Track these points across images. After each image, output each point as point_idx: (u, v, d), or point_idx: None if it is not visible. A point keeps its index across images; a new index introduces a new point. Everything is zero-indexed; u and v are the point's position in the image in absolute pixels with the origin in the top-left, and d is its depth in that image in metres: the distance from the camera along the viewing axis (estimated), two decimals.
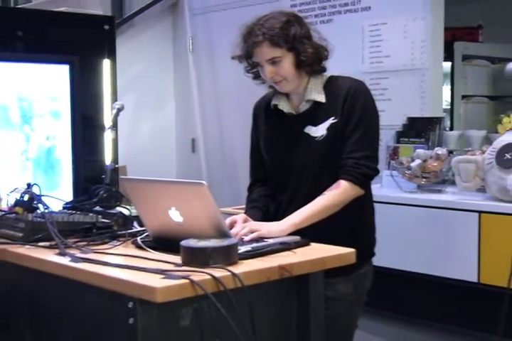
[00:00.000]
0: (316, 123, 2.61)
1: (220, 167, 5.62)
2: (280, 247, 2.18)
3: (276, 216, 2.61)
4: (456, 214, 3.44)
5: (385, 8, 4.45)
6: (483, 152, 3.47)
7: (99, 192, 2.53)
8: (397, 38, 4.40)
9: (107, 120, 3.50)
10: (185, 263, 1.94)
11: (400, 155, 3.95)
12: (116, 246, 2.26)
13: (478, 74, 5.80)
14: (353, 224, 2.61)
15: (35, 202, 2.44)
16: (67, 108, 3.85)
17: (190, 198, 2.08)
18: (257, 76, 2.68)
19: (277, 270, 2.00)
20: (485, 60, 5.81)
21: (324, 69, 2.67)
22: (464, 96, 5.66)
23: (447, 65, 5.36)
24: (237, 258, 1.99)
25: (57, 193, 3.23)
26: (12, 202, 2.52)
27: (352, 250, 2.24)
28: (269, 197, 2.75)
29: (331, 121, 2.59)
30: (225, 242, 1.99)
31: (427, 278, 3.55)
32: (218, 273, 1.87)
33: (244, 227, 2.33)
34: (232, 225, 2.38)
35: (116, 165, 3.87)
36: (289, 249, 2.18)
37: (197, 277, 1.82)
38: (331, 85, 2.65)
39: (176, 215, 2.11)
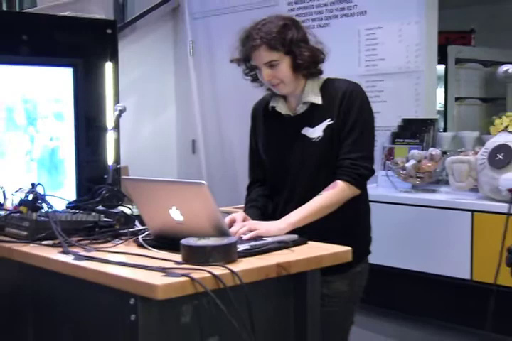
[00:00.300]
0: (312, 125, 2.61)
1: (219, 167, 5.61)
2: (278, 246, 2.18)
3: (274, 215, 2.62)
4: (449, 213, 3.44)
5: (380, 12, 4.45)
6: (476, 153, 3.47)
7: (102, 191, 2.52)
8: (393, 41, 4.40)
9: (110, 121, 3.49)
10: (185, 261, 1.94)
11: (395, 155, 3.95)
12: (118, 244, 2.26)
13: (471, 77, 5.80)
14: (349, 223, 2.61)
15: (39, 202, 2.44)
16: (70, 110, 3.85)
17: (190, 198, 2.08)
18: (255, 79, 2.68)
19: (275, 268, 2.01)
20: (477, 63, 5.81)
21: (321, 72, 2.67)
22: (457, 99, 5.66)
23: (441, 68, 5.36)
24: (236, 257, 1.99)
25: (61, 193, 3.23)
26: (17, 201, 2.52)
27: (348, 248, 2.24)
28: (268, 196, 2.75)
29: (327, 122, 2.59)
30: (225, 241, 1.99)
31: (421, 275, 3.55)
32: (218, 270, 1.87)
33: (243, 226, 2.34)
34: (231, 224, 2.39)
35: (119, 166, 3.88)
36: (286, 248, 2.19)
37: (197, 275, 1.83)
38: (328, 87, 2.65)
39: (176, 214, 2.11)
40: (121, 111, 2.86)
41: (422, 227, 3.55)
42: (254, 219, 2.53)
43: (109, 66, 4.28)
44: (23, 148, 3.73)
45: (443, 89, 5.51)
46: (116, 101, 4.19)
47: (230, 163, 5.42)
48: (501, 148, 3.24)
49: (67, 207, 2.53)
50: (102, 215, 2.43)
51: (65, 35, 4.18)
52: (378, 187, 3.87)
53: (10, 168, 3.64)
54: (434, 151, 3.72)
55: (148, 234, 2.29)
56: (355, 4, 4.59)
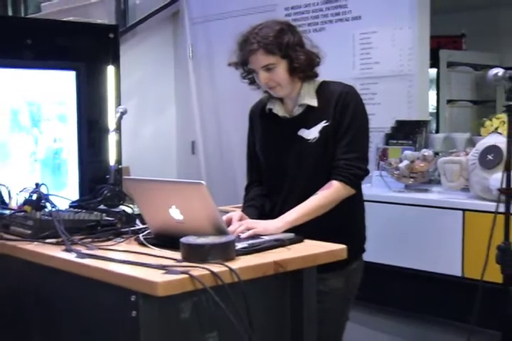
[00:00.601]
0: (308, 127, 2.61)
1: (218, 168, 5.61)
2: (275, 244, 2.18)
3: (272, 214, 2.61)
4: (441, 212, 3.44)
5: (374, 17, 4.45)
6: (467, 153, 3.47)
7: (104, 191, 2.52)
8: (386, 45, 4.40)
9: (111, 123, 3.49)
10: (185, 259, 1.94)
11: (389, 156, 3.95)
12: (119, 242, 2.26)
13: (462, 80, 5.81)
14: (344, 222, 2.61)
15: (43, 201, 2.44)
16: (73, 112, 3.84)
17: (190, 197, 2.08)
18: (252, 82, 2.68)
19: (272, 265, 2.00)
20: (468, 66, 5.82)
21: (316, 75, 2.67)
22: (448, 101, 5.67)
23: (433, 72, 5.36)
24: (234, 255, 1.99)
25: (64, 192, 3.23)
26: (21, 201, 2.52)
27: (343, 246, 2.24)
28: (265, 196, 2.75)
29: (323, 124, 2.59)
30: (223, 239, 1.99)
31: (414, 272, 3.55)
32: (216, 268, 1.87)
33: (241, 225, 2.34)
34: (228, 222, 2.38)
35: (120, 166, 3.87)
36: (283, 246, 2.18)
37: (196, 272, 1.82)
38: (323, 90, 2.64)
39: (176, 213, 2.10)
40: (123, 113, 2.86)
41: (414, 226, 3.54)
42: (252, 218, 2.53)
43: (110, 69, 4.28)
44: (28, 149, 3.72)
45: (435, 92, 5.52)
46: (118, 103, 4.19)
47: (229, 163, 5.42)
48: (491, 149, 3.24)
49: (70, 207, 2.54)
50: (104, 214, 2.43)
51: (68, 39, 4.17)
52: (372, 187, 3.87)
53: (15, 169, 3.64)
54: (427, 152, 3.72)
55: (148, 233, 2.28)
56: (350, 10, 4.59)
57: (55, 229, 2.24)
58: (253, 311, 1.93)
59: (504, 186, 2.42)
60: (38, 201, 2.45)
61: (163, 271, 1.83)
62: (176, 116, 5.99)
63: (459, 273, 3.37)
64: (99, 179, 2.90)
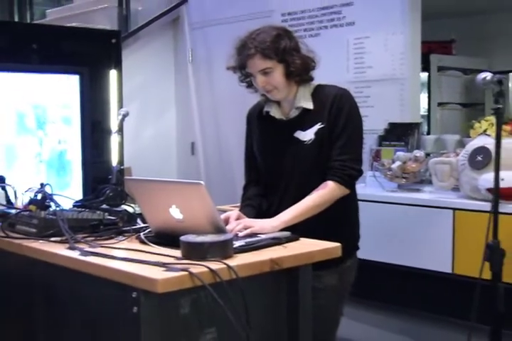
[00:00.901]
0: (304, 129, 2.61)
1: (217, 168, 5.61)
2: (272, 242, 2.17)
3: (269, 213, 2.60)
4: (432, 211, 3.44)
5: (367, 23, 4.45)
6: (457, 154, 3.47)
7: (106, 191, 2.52)
8: (379, 50, 4.40)
9: (114, 125, 3.48)
10: (184, 257, 1.93)
11: (382, 157, 3.94)
12: (121, 241, 2.25)
13: (452, 84, 5.82)
14: (339, 221, 2.60)
15: (47, 201, 2.44)
16: (77, 114, 3.84)
17: (189, 197, 2.07)
18: (250, 85, 2.67)
19: (269, 263, 2.00)
20: (458, 71, 5.83)
21: (312, 79, 2.66)
22: (439, 104, 5.67)
23: (424, 75, 5.37)
24: (232, 252, 1.99)
25: (68, 192, 3.22)
26: (27, 200, 2.52)
27: (338, 244, 2.23)
28: (262, 195, 2.74)
29: (318, 126, 2.58)
30: (221, 237, 1.98)
31: (406, 269, 3.55)
32: (215, 265, 1.86)
33: (239, 224, 2.33)
34: (226, 221, 2.37)
35: (122, 167, 3.84)
36: (279, 244, 2.18)
37: (195, 269, 1.82)
38: (319, 93, 2.64)
39: (176, 213, 2.10)
40: (125, 116, 2.86)
41: (407, 224, 3.54)
42: (249, 217, 2.52)
43: (113, 73, 4.27)
44: (33, 151, 3.72)
45: (426, 95, 5.53)
46: (120, 106, 4.19)
47: (227, 164, 5.42)
48: (480, 150, 3.24)
49: (74, 206, 2.53)
50: (106, 213, 2.43)
51: (73, 44, 4.17)
52: (366, 187, 3.87)
53: (21, 169, 3.63)
54: (418, 153, 3.72)
55: (149, 231, 2.27)
56: (344, 16, 4.59)
57: (59, 228, 2.23)
58: (250, 307, 1.92)
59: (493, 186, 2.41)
60: (42, 201, 2.45)
61: (164, 269, 1.83)
62: (176, 118, 5.99)
63: (449, 270, 3.37)
64: (102, 179, 2.90)
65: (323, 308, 2.52)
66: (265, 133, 2.73)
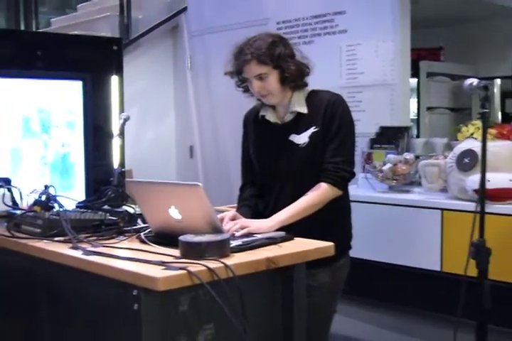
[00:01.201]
0: (299, 132, 2.60)
1: (215, 170, 5.60)
2: (267, 241, 2.17)
3: (264, 213, 2.60)
4: (422, 211, 3.44)
5: (359, 31, 4.45)
6: (445, 157, 3.47)
7: (108, 192, 2.51)
8: (370, 57, 4.40)
9: (115, 129, 3.46)
10: (183, 256, 1.93)
11: (374, 159, 3.94)
12: (122, 240, 2.25)
13: (441, 89, 5.82)
14: (332, 221, 2.60)
15: (51, 202, 2.43)
16: (80, 119, 3.82)
17: (187, 198, 2.07)
18: (246, 90, 2.66)
19: (265, 262, 2.00)
20: (446, 76, 5.83)
21: (306, 84, 2.66)
22: (428, 108, 5.67)
23: (414, 81, 5.37)
24: (229, 252, 1.98)
25: (72, 194, 3.20)
26: (31, 201, 2.51)
27: (331, 244, 2.23)
28: (258, 196, 2.73)
29: (312, 129, 2.58)
30: (219, 237, 1.98)
31: (396, 267, 3.54)
32: (212, 264, 1.86)
33: (236, 224, 2.33)
34: (221, 221, 2.37)
35: (123, 169, 3.84)
36: (275, 243, 2.18)
37: (193, 268, 1.82)
38: (312, 98, 2.63)
39: (175, 213, 2.09)
40: (126, 120, 2.85)
41: (397, 224, 3.54)
42: (246, 217, 2.51)
43: (115, 79, 4.26)
44: (38, 154, 3.70)
45: (416, 100, 5.53)
46: (121, 110, 4.18)
47: (224, 166, 5.41)
48: (467, 152, 3.24)
49: (77, 207, 2.52)
50: (108, 214, 2.42)
51: (76, 51, 4.16)
52: (358, 188, 3.86)
53: (26, 171, 3.62)
54: (408, 156, 3.72)
55: (149, 231, 2.27)
56: (337, 24, 4.59)
57: (63, 228, 2.23)
58: (247, 304, 1.92)
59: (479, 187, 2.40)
60: (46, 202, 2.44)
61: (163, 267, 1.83)
62: (176, 123, 5.98)
63: (438, 268, 3.37)
64: (104, 181, 2.88)
65: (317, 305, 2.51)
66: (261, 136, 2.72)
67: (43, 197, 2.46)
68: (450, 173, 3.34)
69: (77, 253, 2.06)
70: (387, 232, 3.59)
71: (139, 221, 2.42)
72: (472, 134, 3.34)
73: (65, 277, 2.18)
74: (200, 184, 2.03)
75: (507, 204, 3.13)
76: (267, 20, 5.03)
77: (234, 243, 2.08)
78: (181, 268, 1.80)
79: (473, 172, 3.14)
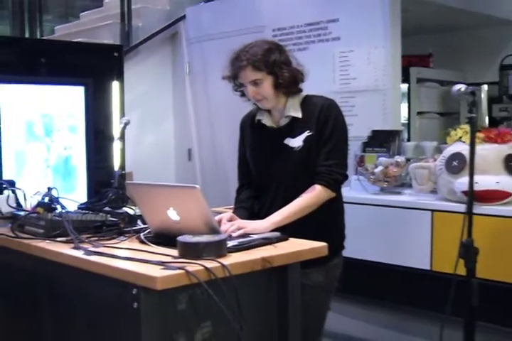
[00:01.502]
0: (294, 136, 2.60)
1: (212, 172, 5.60)
2: (263, 242, 2.17)
3: (260, 215, 2.59)
4: (412, 212, 3.43)
5: (352, 38, 4.45)
6: (435, 160, 3.47)
7: (109, 194, 2.51)
8: (362, 63, 4.39)
9: (116, 133, 3.46)
10: (181, 256, 1.92)
11: (366, 162, 3.93)
12: (122, 241, 2.24)
13: (430, 95, 5.82)
14: (325, 222, 2.59)
15: (54, 203, 2.42)
16: (82, 123, 3.82)
17: (185, 200, 2.06)
18: (243, 94, 2.66)
19: (260, 261, 1.99)
20: (435, 82, 5.83)
21: (300, 90, 2.65)
22: (418, 113, 5.66)
23: (404, 87, 5.36)
24: (226, 252, 1.98)
25: (74, 195, 3.21)
26: (35, 203, 2.50)
27: (324, 244, 2.23)
28: (254, 198, 2.73)
29: (306, 133, 2.58)
30: (216, 238, 1.97)
31: (388, 266, 3.54)
32: (210, 264, 1.86)
33: (233, 225, 2.32)
34: (219, 222, 2.36)
35: (124, 172, 3.85)
36: (270, 244, 2.17)
37: (191, 268, 1.82)
38: (307, 103, 2.63)
39: (173, 214, 2.09)
40: (126, 124, 2.85)
41: (388, 225, 3.54)
42: (242, 218, 2.51)
43: (115, 84, 4.26)
44: (41, 157, 3.70)
45: (406, 105, 5.52)
46: (122, 115, 4.18)
47: (222, 168, 5.40)
48: (456, 155, 3.24)
49: (78, 208, 2.51)
50: (109, 215, 2.41)
51: (78, 58, 4.16)
52: (351, 190, 3.85)
53: (29, 174, 3.62)
54: (399, 158, 3.72)
55: (148, 232, 2.26)
56: (330, 31, 4.59)
57: (65, 229, 2.23)
58: (243, 303, 1.91)
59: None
60: (49, 203, 2.43)
61: (162, 267, 1.82)
62: (174, 126, 5.98)
63: (428, 267, 3.37)
64: (105, 183, 2.88)
65: (311, 303, 2.51)
66: (257, 139, 2.72)
67: (46, 199, 2.45)
68: (440, 175, 3.34)
69: (79, 253, 2.05)
70: (379, 233, 3.58)
71: (139, 222, 2.41)
72: (460, 138, 3.34)
73: (67, 276, 2.17)
74: (197, 186, 2.02)
75: (494, 206, 3.14)
76: (263, 28, 5.02)
77: (230, 243, 2.07)
78: (179, 268, 1.80)
79: (461, 175, 3.14)
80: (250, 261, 1.98)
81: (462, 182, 3.06)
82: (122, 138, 2.92)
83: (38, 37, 6.63)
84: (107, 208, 2.49)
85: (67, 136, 3.77)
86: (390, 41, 4.27)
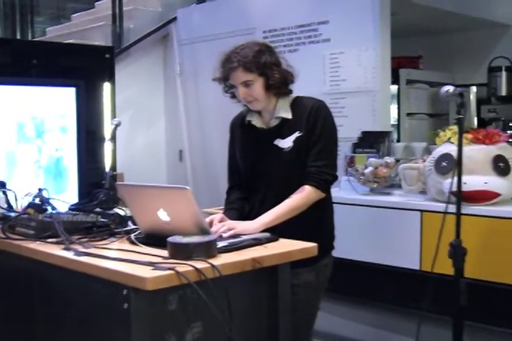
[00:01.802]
0: (283, 137, 2.59)
1: (203, 173, 5.59)
2: (253, 242, 2.17)
3: (250, 215, 2.59)
4: (402, 212, 3.44)
5: (342, 40, 4.45)
6: (424, 160, 3.48)
7: (99, 195, 2.50)
8: (353, 64, 4.40)
9: (107, 134, 3.45)
10: (171, 257, 1.92)
11: (356, 163, 3.93)
12: (113, 242, 2.24)
13: (420, 96, 5.83)
14: (315, 222, 2.59)
15: (44, 204, 2.42)
16: (73, 124, 3.80)
17: (175, 201, 2.06)
18: (233, 96, 2.66)
19: (250, 262, 1.99)
20: (424, 84, 5.84)
21: (290, 92, 2.65)
22: (408, 114, 5.67)
23: (394, 88, 5.37)
24: (216, 252, 1.98)
25: (65, 196, 3.19)
26: (25, 204, 2.49)
27: (314, 244, 2.23)
28: (244, 199, 2.72)
29: (296, 134, 2.57)
30: (206, 238, 1.97)
31: (378, 266, 3.54)
32: (200, 264, 1.85)
33: (223, 225, 2.32)
34: (211, 224, 2.36)
35: (115, 172, 3.82)
36: (260, 244, 2.17)
37: (181, 268, 1.81)
38: (297, 104, 2.63)
39: (163, 215, 2.08)
40: (117, 125, 2.84)
41: (378, 225, 3.54)
42: (232, 219, 2.50)
43: (107, 86, 4.25)
44: (32, 158, 3.68)
45: (396, 106, 5.52)
46: (113, 116, 4.17)
47: (212, 169, 5.40)
48: (445, 156, 3.25)
49: (69, 209, 2.50)
50: (99, 216, 2.40)
51: (70, 59, 4.15)
52: (341, 191, 3.85)
53: (20, 175, 3.60)
54: (389, 159, 3.72)
55: (139, 233, 2.26)
56: (321, 33, 4.59)
57: (56, 230, 2.22)
58: (233, 303, 1.92)
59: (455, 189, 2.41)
60: (40, 204, 2.43)
61: (152, 268, 1.82)
62: (165, 127, 5.97)
63: (417, 267, 3.37)
64: (96, 184, 2.86)
65: (301, 303, 2.51)
66: (247, 140, 2.71)
67: (37, 200, 2.44)
68: (429, 176, 3.34)
69: (69, 254, 2.04)
70: (368, 233, 3.59)
71: (130, 223, 2.40)
72: (449, 139, 3.34)
73: (58, 277, 2.16)
74: (188, 187, 2.02)
75: (483, 206, 3.14)
76: (254, 30, 5.02)
77: (221, 244, 2.07)
78: (169, 269, 1.80)
79: (450, 175, 3.13)
80: (240, 261, 1.98)
81: (451, 182, 3.06)
82: (113, 139, 2.91)
83: (30, 38, 6.63)
84: (97, 209, 2.47)
85: (59, 137, 3.76)
86: (379, 43, 4.28)
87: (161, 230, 2.09)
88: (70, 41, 5.45)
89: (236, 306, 1.94)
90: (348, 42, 4.41)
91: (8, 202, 2.66)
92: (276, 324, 2.14)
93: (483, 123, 5.62)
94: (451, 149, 3.19)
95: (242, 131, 2.74)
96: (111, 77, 4.29)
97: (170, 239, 1.95)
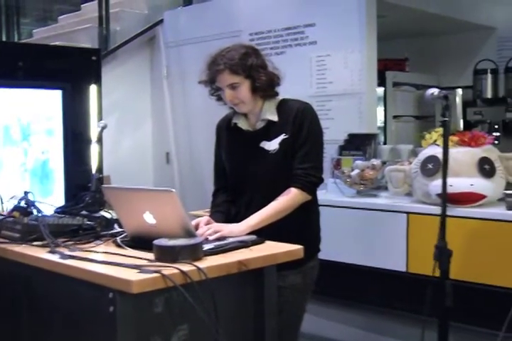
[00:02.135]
0: (269, 139, 2.59)
1: (189, 176, 5.59)
2: (239, 245, 2.16)
3: (236, 218, 2.58)
4: (388, 214, 3.45)
5: (328, 42, 4.47)
6: (410, 163, 3.49)
7: (85, 198, 2.49)
8: (339, 67, 4.41)
9: (94, 136, 3.45)
10: (157, 259, 1.91)
11: (342, 165, 3.94)
12: (99, 244, 2.22)
13: (406, 98, 5.86)
14: (301, 225, 2.59)
15: (30, 207, 2.40)
16: (59, 126, 3.80)
17: (161, 203, 2.05)
18: (219, 98, 2.65)
19: (236, 264, 1.99)
20: (411, 86, 5.87)
21: (277, 94, 2.65)
22: (394, 116, 5.70)
23: (380, 90, 5.40)
24: (202, 255, 1.97)
25: (51, 199, 3.20)
26: (11, 207, 2.48)
27: (300, 247, 2.23)
28: (231, 202, 2.71)
29: (282, 137, 2.57)
30: (192, 241, 1.97)
31: (364, 268, 3.55)
32: (186, 267, 1.85)
33: (209, 228, 2.31)
34: (197, 226, 2.35)
35: (101, 175, 3.81)
36: (246, 247, 2.17)
37: (167, 271, 1.81)
38: (283, 107, 2.62)
39: (149, 218, 2.08)
40: (104, 127, 2.83)
41: (365, 227, 3.55)
42: (218, 222, 2.49)
43: (93, 88, 4.25)
44: (18, 161, 3.67)
45: (382, 108, 5.55)
46: (100, 118, 4.16)
47: (199, 172, 5.40)
48: (431, 158, 3.26)
49: (55, 212, 2.49)
50: (85, 219, 2.39)
51: (56, 61, 4.14)
52: (327, 193, 3.86)
53: (6, 178, 3.59)
54: (375, 161, 3.73)
55: (125, 236, 2.25)
56: (307, 35, 4.60)
57: (41, 233, 2.20)
58: (219, 305, 1.91)
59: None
60: (25, 207, 2.41)
61: (138, 270, 1.81)
62: (152, 130, 5.96)
63: (403, 269, 3.38)
64: (82, 186, 2.86)
65: (287, 305, 2.51)
66: (233, 143, 2.71)
67: (22, 203, 2.43)
68: (415, 178, 3.35)
69: (55, 258, 2.03)
70: (355, 235, 3.59)
71: (116, 225, 2.40)
72: (435, 141, 3.36)
73: (44, 280, 2.15)
74: (173, 190, 2.02)
75: (468, 208, 3.16)
76: (240, 32, 5.03)
77: (207, 246, 2.06)
78: (155, 271, 1.79)
79: (436, 178, 3.16)
80: (226, 264, 1.97)
81: (436, 184, 3.08)
82: (100, 141, 2.90)
83: (16, 40, 6.60)
84: (83, 212, 2.47)
85: (45, 139, 3.75)
86: (366, 45, 4.29)
87: (147, 233, 2.08)
88: (57, 43, 5.43)
89: (222, 309, 1.94)
90: (334, 44, 4.43)
91: None
92: (262, 326, 2.14)
93: (468, 125, 5.64)
94: (437, 151, 3.21)
95: (228, 133, 2.74)
96: (97, 80, 4.29)
97: (156, 242, 1.94)
